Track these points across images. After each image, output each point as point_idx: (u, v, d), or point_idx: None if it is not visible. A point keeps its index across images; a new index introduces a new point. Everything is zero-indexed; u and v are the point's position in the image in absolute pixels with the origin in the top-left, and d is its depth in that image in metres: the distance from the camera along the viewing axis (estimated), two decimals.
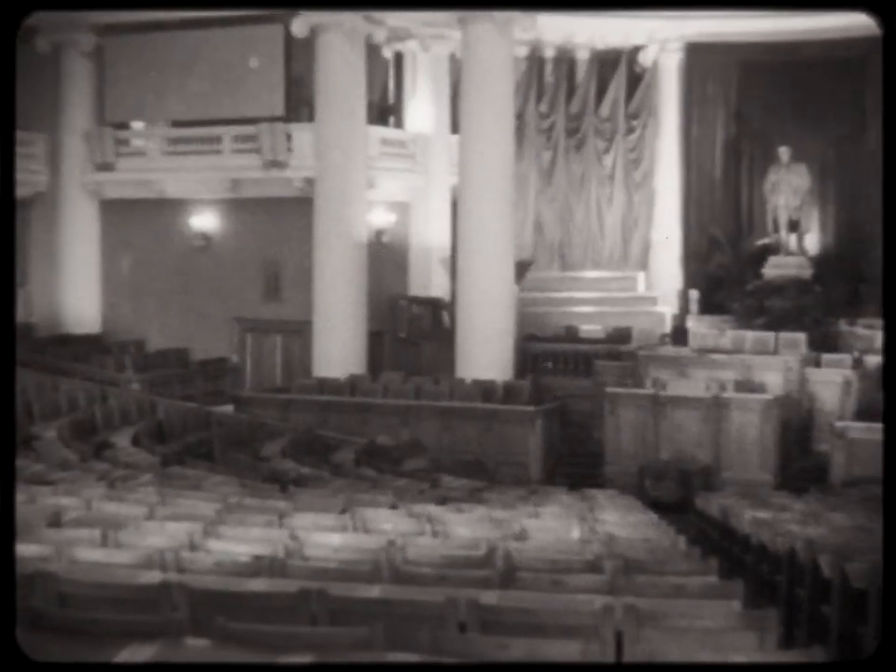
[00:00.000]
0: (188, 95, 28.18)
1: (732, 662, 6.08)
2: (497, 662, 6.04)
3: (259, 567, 8.54)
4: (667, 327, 29.12)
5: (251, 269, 28.04)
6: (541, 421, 22.27)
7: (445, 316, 27.90)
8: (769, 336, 24.83)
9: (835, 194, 29.99)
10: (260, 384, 27.42)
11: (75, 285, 29.03)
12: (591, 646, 6.38)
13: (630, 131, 30.48)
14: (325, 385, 24.29)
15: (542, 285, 29.62)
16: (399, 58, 29.97)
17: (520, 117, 28.96)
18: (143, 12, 25.31)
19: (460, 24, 25.13)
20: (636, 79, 30.37)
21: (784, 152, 28.72)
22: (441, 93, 29.52)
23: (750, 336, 25.09)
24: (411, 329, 28.22)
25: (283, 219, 27.65)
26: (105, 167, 28.80)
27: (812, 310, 27.11)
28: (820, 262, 28.76)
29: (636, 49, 30.06)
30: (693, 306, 29.13)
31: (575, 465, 22.38)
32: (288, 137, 27.06)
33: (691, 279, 30.15)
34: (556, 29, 28.91)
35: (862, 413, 21.82)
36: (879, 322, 26.36)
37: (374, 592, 7.88)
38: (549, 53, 30.37)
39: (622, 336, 27.58)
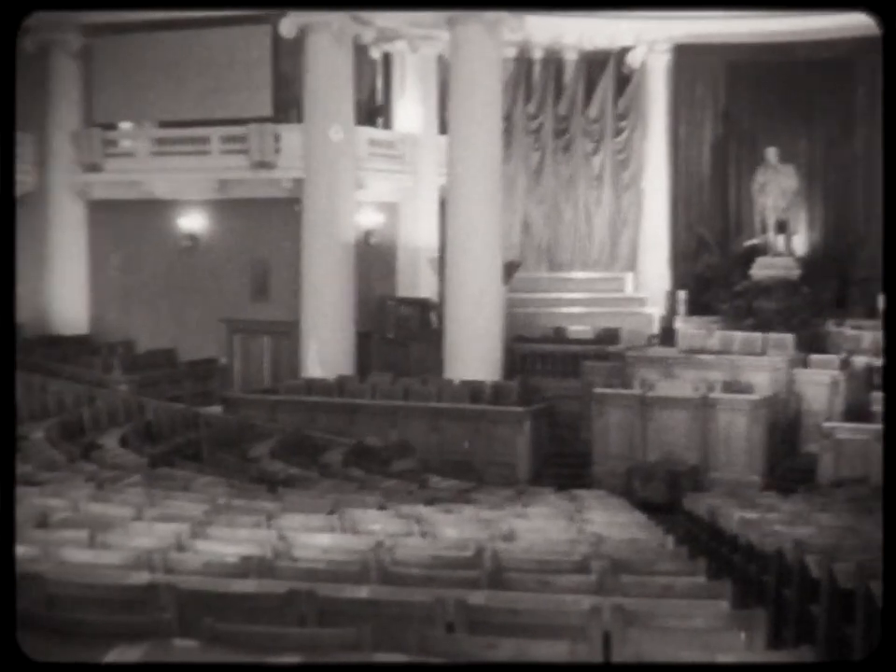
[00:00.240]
0: (175, 96, 28.14)
1: (720, 662, 6.09)
2: (486, 662, 6.05)
3: (248, 567, 8.53)
4: (655, 327, 29.14)
5: (239, 270, 28.03)
6: (530, 422, 22.28)
7: (433, 317, 27.90)
8: (757, 337, 24.85)
9: (823, 195, 30.04)
10: (249, 384, 27.41)
11: (62, 285, 28.98)
12: (579, 646, 6.39)
13: (618, 132, 30.49)
14: (313, 386, 24.28)
15: (530, 285, 29.63)
16: (387, 58, 29.98)
17: (508, 118, 28.96)
18: (130, 12, 25.27)
19: (448, 25, 25.15)
20: (624, 80, 30.37)
21: (772, 153, 28.75)
22: (430, 94, 29.53)
23: (738, 337, 25.11)
24: (399, 329, 28.21)
25: (271, 220, 27.66)
26: (93, 168, 28.76)
27: (800, 311, 27.14)
28: (808, 263, 28.79)
29: (624, 51, 30.06)
30: (681, 307, 29.14)
31: (563, 465, 22.38)
32: (276, 138, 27.06)
33: (679, 280, 30.18)
34: (544, 30, 28.91)
35: (850, 414, 21.87)
36: (867, 323, 26.49)
37: (363, 592, 7.88)
38: (537, 54, 30.36)
39: (610, 337, 27.59)
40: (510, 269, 26.72)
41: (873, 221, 28.83)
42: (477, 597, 7.49)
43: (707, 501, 16.26)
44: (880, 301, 27.10)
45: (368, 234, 27.75)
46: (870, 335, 25.84)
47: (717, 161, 30.74)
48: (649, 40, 29.71)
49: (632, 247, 30.60)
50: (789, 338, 24.64)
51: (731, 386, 22.04)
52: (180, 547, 9.36)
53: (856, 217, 29.41)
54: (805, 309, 27.25)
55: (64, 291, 29.02)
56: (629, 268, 30.55)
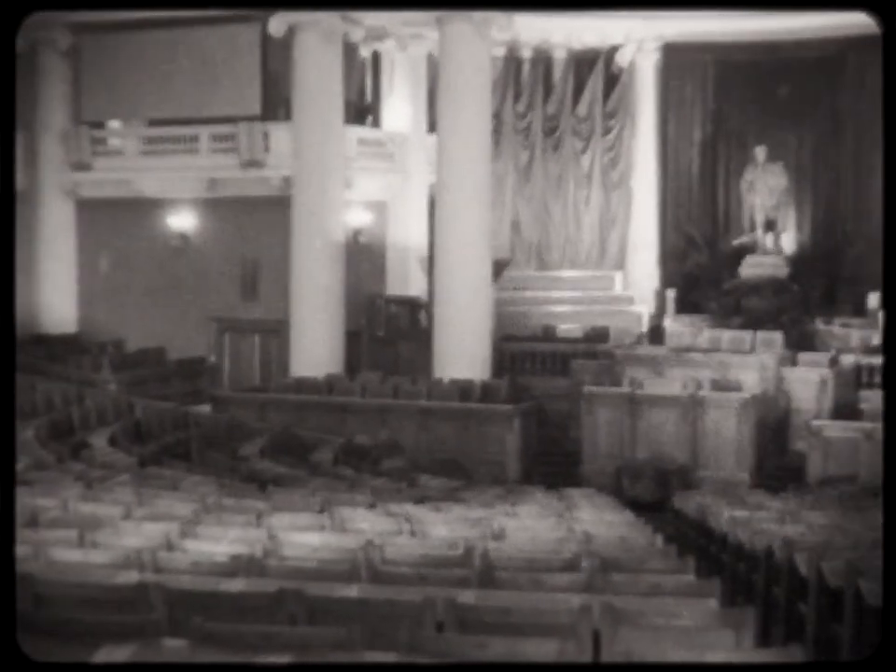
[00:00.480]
0: (165, 94, 28.11)
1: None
2: (475, 661, 6.05)
3: (237, 567, 8.53)
4: (644, 326, 29.17)
5: (229, 268, 28.01)
6: (519, 420, 22.28)
7: (423, 316, 27.90)
8: (746, 335, 24.88)
9: (811, 193, 30.11)
10: (238, 383, 27.38)
11: (51, 284, 28.93)
12: (568, 644, 6.39)
13: (607, 130, 30.52)
14: (302, 385, 24.27)
15: (520, 284, 29.66)
16: (376, 57, 29.96)
17: (497, 116, 28.97)
18: (120, 12, 25.22)
19: (437, 24, 25.13)
20: (613, 79, 30.41)
21: (760, 152, 28.81)
22: (419, 93, 29.51)
23: (727, 335, 25.14)
24: (388, 328, 28.21)
25: (260, 219, 27.63)
26: (82, 166, 28.73)
27: (788, 309, 27.20)
28: (797, 262, 28.85)
29: (612, 49, 30.11)
30: (670, 305, 29.19)
31: (552, 464, 22.39)
32: (266, 137, 27.06)
33: (668, 279, 30.22)
34: (533, 29, 28.91)
35: (839, 412, 21.92)
36: (855, 321, 26.55)
37: (352, 591, 7.88)
38: (526, 53, 30.40)
39: (599, 335, 27.59)
40: (499, 267, 26.72)
41: (861, 220, 28.93)
42: (467, 596, 7.49)
43: (696, 500, 16.29)
44: (869, 300, 27.21)
45: (357, 233, 27.73)
46: (858, 333, 25.92)
47: (706, 159, 30.79)
48: (638, 39, 29.75)
49: (621, 246, 30.64)
50: (777, 336, 24.68)
51: (720, 385, 22.07)
52: (169, 546, 9.36)
53: (844, 215, 29.48)
54: (793, 307, 27.32)
55: (53, 290, 28.97)
56: (618, 266, 30.58)
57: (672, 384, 22.11)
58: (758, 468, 20.89)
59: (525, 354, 26.99)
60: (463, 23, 24.60)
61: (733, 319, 27.01)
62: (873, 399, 22.00)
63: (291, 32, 25.76)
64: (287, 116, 26.92)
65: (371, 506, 13.34)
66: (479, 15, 24.52)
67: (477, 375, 24.28)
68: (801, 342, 25.46)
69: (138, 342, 28.40)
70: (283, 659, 5.70)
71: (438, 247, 25.49)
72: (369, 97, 30.29)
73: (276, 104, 28.04)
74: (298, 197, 25.95)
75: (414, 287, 28.78)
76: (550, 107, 30.69)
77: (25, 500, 11.66)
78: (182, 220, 28.42)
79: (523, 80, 30.77)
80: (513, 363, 26.63)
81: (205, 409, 24.12)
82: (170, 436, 21.21)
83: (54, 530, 9.82)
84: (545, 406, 23.88)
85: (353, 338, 26.98)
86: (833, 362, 23.55)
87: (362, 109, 29.84)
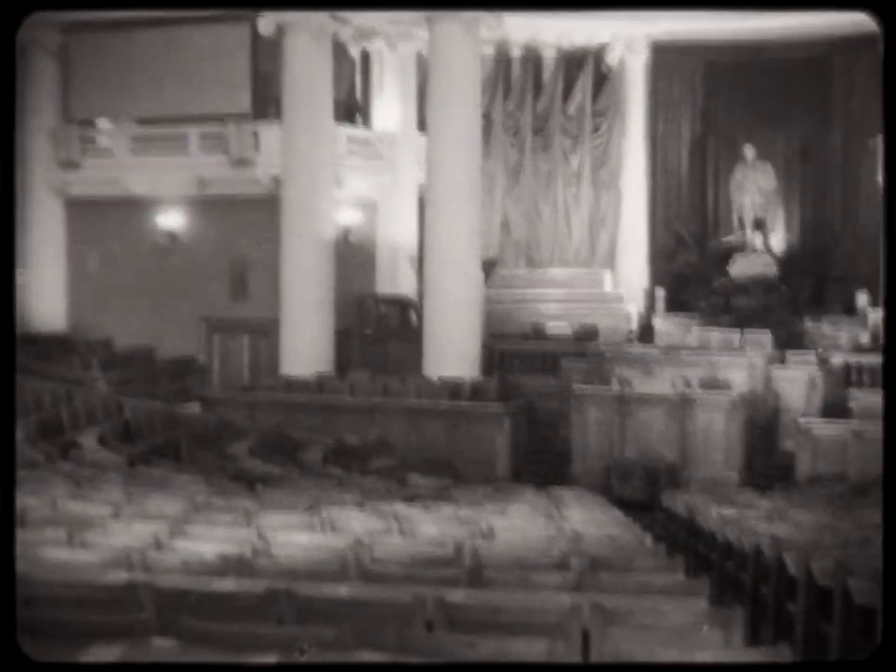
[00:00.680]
0: (154, 93, 28.09)
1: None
2: (465, 661, 6.05)
3: (226, 566, 8.53)
4: (634, 325, 29.20)
5: (218, 268, 27.98)
6: (508, 419, 22.29)
7: (412, 315, 27.91)
8: (735, 334, 24.95)
9: (800, 193, 30.19)
10: (227, 383, 27.36)
11: (40, 283, 28.88)
12: (557, 644, 6.40)
13: (597, 130, 30.55)
14: (292, 385, 24.25)
15: (509, 283, 29.68)
16: (365, 56, 29.95)
17: (487, 115, 28.98)
18: (109, 11, 25.17)
19: (427, 23, 25.12)
20: (602, 79, 30.45)
21: (749, 151, 28.89)
22: (408, 92, 29.52)
23: (716, 334, 25.20)
24: (378, 327, 28.23)
25: (250, 218, 27.61)
26: (71, 165, 28.69)
27: (777, 308, 27.25)
28: (785, 261, 28.91)
29: (602, 49, 30.14)
30: (660, 304, 29.23)
31: (542, 463, 22.41)
32: (255, 136, 27.06)
33: (657, 277, 30.27)
34: (523, 28, 28.94)
35: (827, 411, 21.97)
36: (844, 320, 26.60)
37: (342, 591, 7.88)
38: (515, 52, 30.43)
39: (588, 334, 27.61)
40: (488, 266, 26.75)
41: (849, 219, 29.01)
42: (456, 595, 7.49)
43: (685, 498, 16.32)
44: (857, 299, 27.26)
45: (347, 232, 27.73)
46: (847, 332, 25.97)
47: (695, 159, 30.85)
48: (627, 39, 29.79)
49: (610, 245, 30.67)
50: (766, 335, 24.74)
51: (709, 384, 22.09)
52: (159, 546, 9.35)
53: (833, 214, 29.55)
54: (782, 306, 27.37)
55: (42, 289, 28.92)
56: (607, 265, 30.60)
57: (661, 383, 22.13)
58: (747, 466, 20.93)
59: (514, 353, 27.00)
60: (452, 23, 24.58)
61: (722, 318, 27.06)
62: (861, 398, 22.07)
63: (281, 31, 25.75)
64: (277, 115, 26.89)
65: (361, 505, 13.33)
66: (468, 14, 24.51)
67: (467, 374, 24.28)
68: (790, 341, 25.50)
69: (127, 341, 28.35)
70: (272, 659, 5.70)
71: (427, 246, 25.49)
72: (358, 96, 30.27)
73: (266, 103, 28.02)
74: (287, 196, 25.94)
75: (404, 286, 28.80)
76: (539, 106, 30.72)
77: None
78: (171, 219, 28.39)
79: (512, 79, 30.79)
80: (503, 362, 26.63)
81: (195, 408, 24.09)
82: (159, 435, 21.19)
83: (43, 530, 9.80)
84: (535, 405, 23.89)
85: (342, 337, 26.97)
86: (822, 361, 23.60)
87: (352, 108, 29.81)
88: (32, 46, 28.15)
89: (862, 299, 27.44)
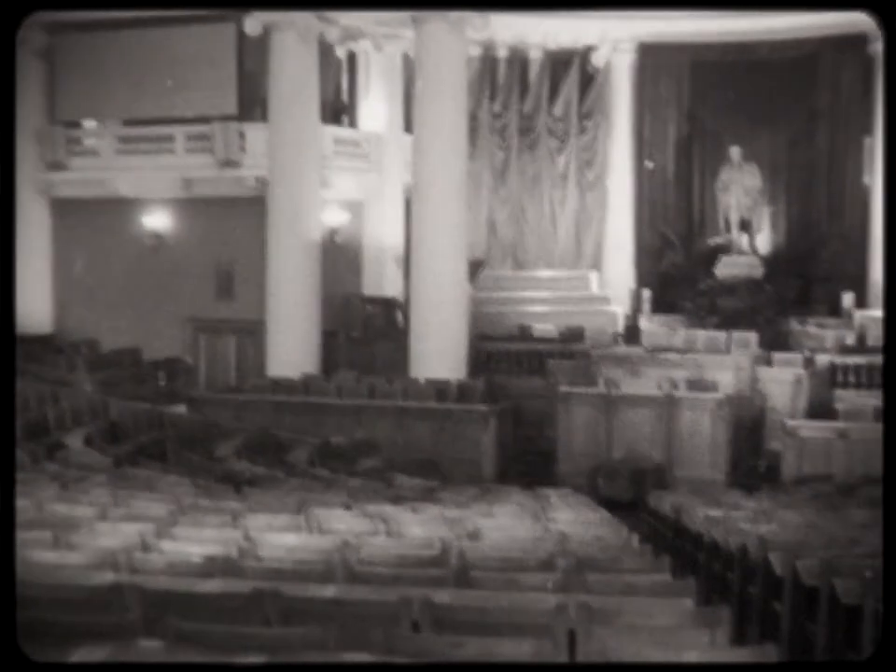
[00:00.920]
0: (140, 94, 28.03)
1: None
2: (452, 661, 6.06)
3: (213, 567, 8.52)
4: (620, 326, 29.23)
5: (204, 268, 27.95)
6: (495, 420, 22.30)
7: (399, 316, 27.92)
8: (721, 335, 24.98)
9: (786, 194, 30.24)
10: (214, 384, 27.33)
11: (26, 284, 28.79)
12: (544, 644, 6.41)
13: (583, 130, 30.57)
14: (278, 385, 24.24)
15: (496, 284, 29.69)
16: (352, 57, 29.96)
17: (473, 116, 28.96)
18: (96, 11, 25.13)
19: (413, 24, 25.12)
20: (588, 79, 30.46)
21: (735, 152, 28.92)
22: (395, 93, 29.51)
23: (702, 335, 25.24)
24: (364, 328, 28.23)
25: (236, 219, 27.59)
26: (57, 166, 28.65)
27: (763, 309, 27.30)
28: (772, 262, 28.96)
29: (588, 50, 30.16)
30: (646, 305, 29.27)
31: (528, 464, 22.42)
32: (242, 136, 27.04)
33: (643, 278, 30.31)
34: (509, 29, 28.95)
35: (813, 412, 22.02)
36: (830, 321, 26.68)
37: (328, 592, 7.88)
38: (502, 53, 30.44)
39: (575, 335, 27.64)
40: (475, 267, 26.75)
41: (835, 220, 29.09)
42: (443, 596, 7.49)
43: (671, 499, 16.33)
44: (843, 300, 27.34)
45: (333, 233, 27.71)
46: (833, 333, 26.04)
47: (681, 160, 30.89)
48: (613, 39, 29.82)
49: (596, 246, 30.70)
50: (752, 336, 24.79)
51: (695, 385, 22.12)
52: (145, 547, 9.34)
53: (819, 215, 29.61)
54: (768, 307, 27.42)
55: (28, 290, 28.83)
56: (594, 266, 30.63)
57: (648, 384, 22.16)
58: (733, 467, 20.95)
59: (501, 354, 27.01)
60: (438, 23, 24.59)
61: (708, 319, 27.10)
62: (847, 399, 22.14)
63: (267, 32, 25.75)
64: (263, 116, 26.89)
65: (348, 506, 13.33)
66: (454, 15, 24.52)
67: (453, 375, 24.28)
68: (776, 342, 25.56)
69: (113, 342, 28.31)
70: (259, 660, 5.70)
71: (414, 247, 25.49)
72: (345, 97, 30.28)
73: (252, 103, 28.00)
74: (274, 197, 25.94)
75: (391, 286, 28.81)
76: (526, 107, 30.74)
77: None
78: (157, 220, 28.36)
79: (499, 80, 30.80)
80: (489, 363, 26.65)
81: (181, 409, 24.06)
82: (145, 436, 21.14)
83: (29, 531, 9.77)
84: (521, 406, 23.91)
85: (329, 338, 26.95)
86: (808, 362, 23.65)
87: (338, 109, 29.82)
88: (18, 46, 28.01)
89: (848, 299, 27.51)
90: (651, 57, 30.21)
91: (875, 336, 25.47)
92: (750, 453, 22.02)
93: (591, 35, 29.79)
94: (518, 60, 30.63)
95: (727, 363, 23.18)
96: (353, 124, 29.83)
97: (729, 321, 26.40)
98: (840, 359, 23.94)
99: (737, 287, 27.84)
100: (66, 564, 8.59)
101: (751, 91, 29.43)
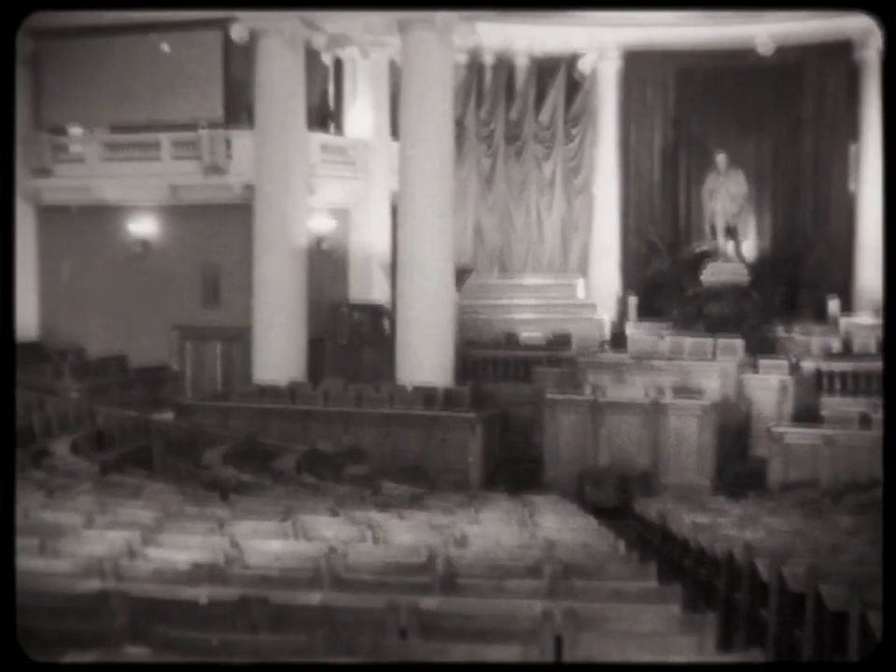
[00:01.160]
0: (126, 100, 28.01)
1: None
2: (437, 662, 6.06)
3: (199, 574, 8.51)
4: (606, 332, 29.23)
5: (190, 275, 27.92)
6: (482, 427, 22.31)
7: (386, 323, 27.91)
8: (707, 341, 24.99)
9: (772, 200, 30.30)
10: (200, 391, 27.29)
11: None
12: (530, 650, 6.41)
13: (569, 137, 30.57)
14: (265, 392, 24.22)
15: (482, 291, 29.67)
16: (338, 64, 29.94)
17: (460, 123, 28.95)
18: (81, 16, 25.11)
19: (400, 30, 25.13)
20: (575, 86, 30.46)
21: (721, 159, 28.95)
22: (381, 99, 29.50)
23: (688, 341, 25.24)
24: (351, 335, 28.21)
25: (222, 225, 27.57)
26: (42, 173, 28.58)
27: (749, 315, 27.33)
28: (757, 268, 29.00)
29: (574, 57, 30.17)
30: (632, 312, 29.27)
31: (515, 470, 22.40)
32: (228, 143, 27.04)
33: (630, 285, 30.32)
34: (495, 36, 28.94)
35: (799, 418, 22.05)
36: (816, 327, 26.72)
37: (315, 599, 7.88)
38: (488, 60, 30.42)
39: (561, 342, 27.66)
40: (461, 274, 26.75)
41: (820, 226, 29.15)
42: (429, 603, 7.50)
43: (657, 505, 16.37)
44: (829, 306, 27.39)
45: (320, 240, 27.71)
46: (818, 339, 26.08)
47: (667, 166, 30.92)
48: (599, 46, 29.83)
49: (583, 253, 30.70)
50: (738, 342, 24.81)
51: (681, 391, 22.14)
52: (131, 554, 9.33)
53: (804, 221, 29.65)
54: (754, 314, 27.45)
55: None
56: (580, 273, 30.62)
57: (634, 390, 22.17)
58: (719, 473, 20.99)
59: (487, 360, 27.02)
60: (425, 30, 24.61)
61: (694, 326, 27.11)
62: (833, 406, 22.19)
63: (253, 38, 25.73)
64: (250, 122, 26.86)
65: (334, 513, 13.32)
66: (441, 21, 24.52)
67: (440, 382, 24.28)
68: (762, 348, 25.58)
69: (100, 349, 28.27)
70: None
71: (401, 254, 25.49)
72: (331, 104, 30.27)
73: (238, 110, 27.98)
74: (260, 204, 25.92)
75: (377, 293, 28.79)
76: (512, 114, 30.74)
77: None
78: (143, 227, 28.33)
79: (485, 87, 30.80)
80: (476, 370, 26.64)
81: (168, 416, 24.02)
82: (132, 444, 21.12)
83: (16, 538, 9.75)
84: (508, 413, 23.93)
85: (316, 345, 26.94)
86: (794, 368, 23.69)
87: (325, 116, 29.81)
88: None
89: (834, 305, 27.56)
90: (638, 64, 30.24)
91: (861, 342, 25.54)
92: (736, 459, 22.05)
93: (577, 42, 29.80)
94: (505, 66, 30.64)
95: (713, 369, 23.21)
96: (339, 131, 29.82)
97: (715, 327, 26.41)
98: (826, 365, 23.98)
99: (723, 293, 27.89)
100: (53, 571, 8.59)
101: (737, 98, 29.52)
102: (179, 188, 27.61)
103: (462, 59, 29.17)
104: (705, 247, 29.36)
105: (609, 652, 6.48)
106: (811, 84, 29.30)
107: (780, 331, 26.79)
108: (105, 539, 10.08)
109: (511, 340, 28.47)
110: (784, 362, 24.03)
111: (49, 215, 29.06)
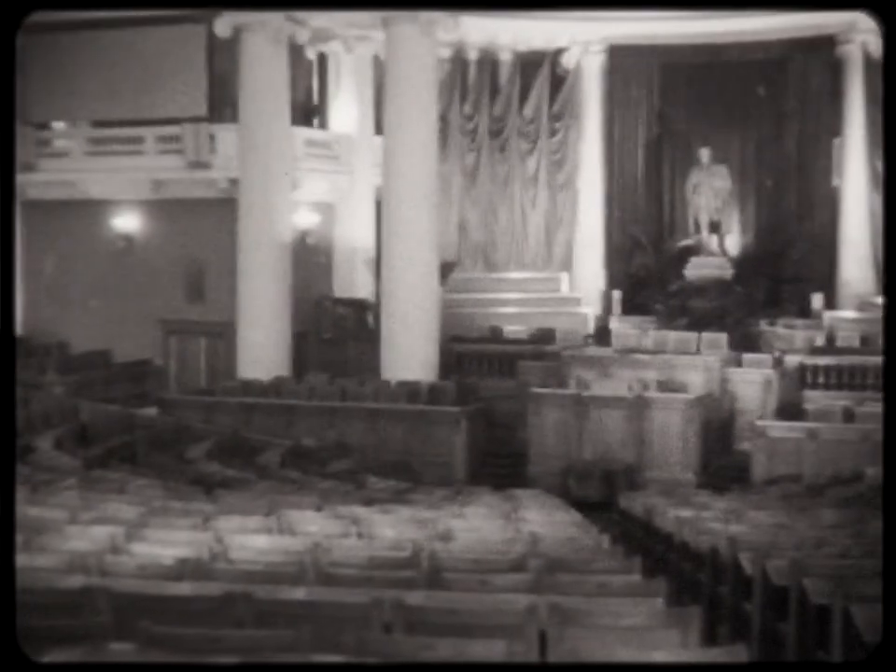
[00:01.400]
0: (110, 95, 27.95)
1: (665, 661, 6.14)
2: (423, 661, 6.06)
3: (184, 570, 8.50)
4: (591, 327, 29.26)
5: (174, 270, 27.87)
6: (466, 422, 22.34)
7: (370, 317, 27.89)
8: (691, 336, 25.03)
9: (755, 195, 30.32)
10: (184, 386, 27.26)
11: None
12: (515, 645, 6.42)
13: (553, 132, 30.59)
14: (249, 387, 24.20)
15: (467, 286, 29.69)
16: (322, 59, 29.91)
17: (444, 118, 28.95)
18: (66, 11, 25.03)
19: (383, 25, 25.12)
20: (558, 81, 30.47)
21: (705, 154, 29.00)
22: (365, 94, 29.49)
23: (672, 336, 25.28)
24: (335, 330, 28.19)
25: (207, 220, 27.52)
26: (27, 167, 28.45)
27: (733, 310, 27.37)
28: (741, 263, 29.04)
29: (558, 52, 30.17)
30: (616, 307, 29.29)
31: (500, 465, 22.43)
32: (212, 138, 27.00)
33: (614, 280, 30.33)
34: (479, 31, 28.95)
35: (783, 412, 22.11)
36: (799, 322, 26.78)
37: (299, 594, 7.88)
38: (472, 55, 30.40)
39: (545, 337, 27.66)
40: (446, 269, 26.76)
41: (804, 221, 29.19)
42: (414, 598, 7.50)
43: (642, 500, 16.39)
44: (813, 300, 27.45)
45: (304, 234, 27.69)
46: (802, 334, 26.14)
47: (651, 161, 30.92)
48: (583, 41, 29.83)
49: (567, 247, 30.72)
50: (722, 337, 24.86)
51: (665, 386, 22.20)
52: (115, 550, 9.31)
53: (787, 216, 29.69)
54: (738, 308, 27.49)
55: None
56: (564, 268, 30.65)
57: (618, 385, 22.22)
58: (703, 468, 21.03)
59: (472, 355, 26.99)
60: (409, 25, 24.60)
61: (678, 320, 27.14)
62: (817, 400, 22.25)
63: (237, 33, 25.70)
64: (234, 117, 26.81)
65: (319, 508, 13.31)
66: (425, 16, 24.52)
67: (425, 377, 24.30)
68: (745, 342, 25.64)
69: (84, 344, 28.20)
70: (231, 662, 5.69)
71: (385, 249, 25.48)
72: (315, 99, 30.24)
73: (223, 105, 27.94)
74: (244, 198, 25.89)
75: (362, 288, 28.78)
76: (496, 109, 30.74)
77: None
78: (127, 222, 28.28)
79: (469, 82, 30.77)
80: (461, 364, 26.63)
81: (152, 411, 23.99)
82: (116, 439, 21.07)
83: None
84: (492, 407, 23.93)
85: (300, 339, 26.93)
86: (777, 363, 23.76)
87: (309, 111, 29.79)
88: None
89: (817, 300, 27.62)
90: (621, 59, 30.23)
91: (844, 337, 25.60)
92: (720, 453, 22.10)
93: (561, 38, 29.81)
94: (488, 62, 30.63)
95: (697, 364, 23.26)
96: (323, 126, 29.80)
97: (699, 322, 26.46)
98: (809, 360, 24.04)
99: (707, 288, 27.92)
100: (36, 567, 8.56)
101: (721, 93, 29.55)
102: (163, 182, 27.57)
103: (446, 53, 29.13)
104: (689, 242, 29.38)
105: (593, 647, 6.49)
106: (794, 79, 29.33)
107: (764, 326, 26.85)
108: (90, 534, 10.06)
109: (495, 334, 28.47)
110: (768, 357, 24.10)
111: (33, 209, 28.95)
